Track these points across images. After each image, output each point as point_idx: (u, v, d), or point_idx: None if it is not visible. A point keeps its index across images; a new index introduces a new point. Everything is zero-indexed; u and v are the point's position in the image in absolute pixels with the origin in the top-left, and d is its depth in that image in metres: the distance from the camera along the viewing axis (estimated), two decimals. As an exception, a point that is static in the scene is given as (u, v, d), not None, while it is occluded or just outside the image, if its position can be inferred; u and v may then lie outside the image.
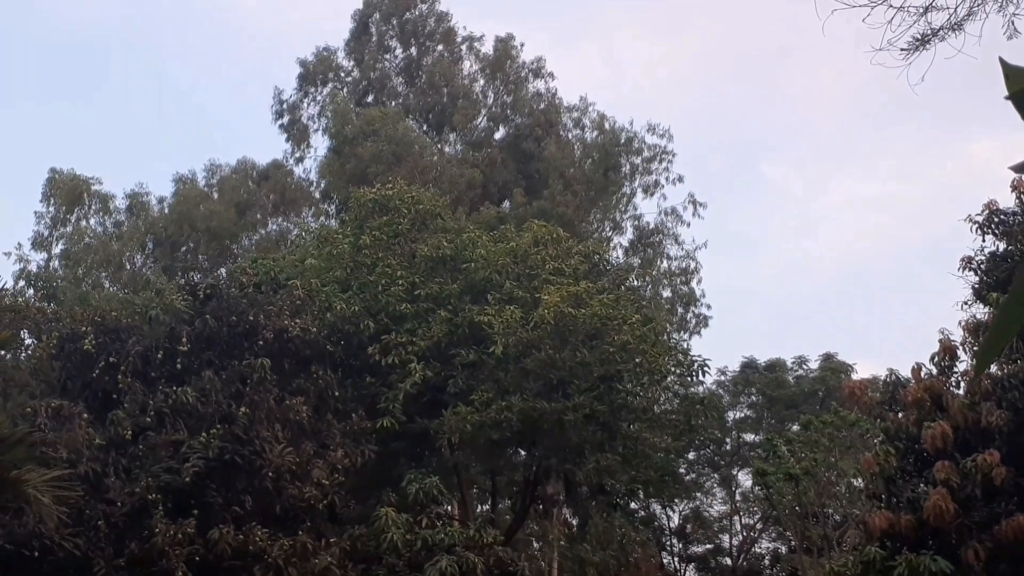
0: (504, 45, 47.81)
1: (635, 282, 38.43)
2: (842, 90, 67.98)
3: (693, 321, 44.72)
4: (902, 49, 10.85)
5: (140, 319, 25.41)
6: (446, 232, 29.46)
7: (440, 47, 48.84)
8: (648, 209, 46.40)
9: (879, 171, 72.22)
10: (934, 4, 10.92)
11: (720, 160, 70.23)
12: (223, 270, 38.90)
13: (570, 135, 46.78)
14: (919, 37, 10.90)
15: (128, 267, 44.02)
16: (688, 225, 45.34)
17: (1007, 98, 1.56)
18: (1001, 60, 1.66)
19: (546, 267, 28.16)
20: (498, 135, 47.42)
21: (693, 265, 45.19)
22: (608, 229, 46.34)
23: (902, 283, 71.45)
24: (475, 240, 28.84)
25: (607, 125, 45.97)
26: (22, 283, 37.99)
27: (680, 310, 44.85)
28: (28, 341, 26.71)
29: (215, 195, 46.41)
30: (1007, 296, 1.62)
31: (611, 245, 45.35)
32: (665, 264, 45.52)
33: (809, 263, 71.78)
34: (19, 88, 68.49)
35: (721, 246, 65.68)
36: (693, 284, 45.10)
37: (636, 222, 46.11)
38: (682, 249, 45.46)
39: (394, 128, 42.21)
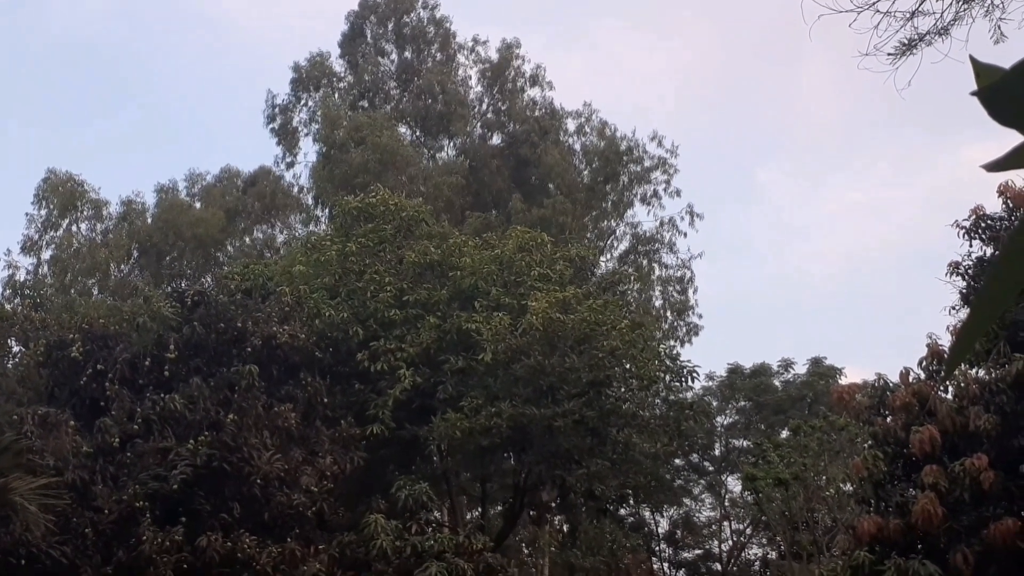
0: (508, 51, 47.78)
1: (625, 287, 38.45)
2: (835, 95, 68.14)
3: (684, 329, 44.87)
4: (889, 54, 10.87)
5: (128, 326, 25.32)
6: (431, 238, 29.47)
7: (438, 53, 48.77)
8: (644, 217, 46.52)
9: (870, 176, 72.41)
10: (920, 9, 10.95)
11: (713, 165, 70.41)
12: (208, 277, 38.83)
13: (571, 140, 46.84)
14: (905, 42, 10.92)
15: (115, 275, 43.88)
16: (685, 235, 45.61)
17: (973, 94, 1.56)
18: (972, 58, 1.65)
19: (532, 273, 28.18)
20: (493, 142, 47.41)
21: (688, 274, 45.44)
22: (605, 236, 46.43)
23: (891, 288, 71.68)
24: (461, 246, 28.86)
25: (608, 132, 46.07)
26: (9, 291, 37.89)
27: (672, 318, 44.97)
28: (15, 349, 26.64)
29: (197, 204, 46.33)
30: (982, 285, 1.61)
31: (606, 252, 45.53)
32: (660, 272, 45.70)
33: (799, 268, 72.00)
34: (10, 93, 68.28)
35: (712, 251, 65.81)
36: (688, 293, 45.35)
37: (633, 230, 46.28)
38: (677, 258, 45.70)
39: (380, 135, 42.13)
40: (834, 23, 10.34)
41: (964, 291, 22.92)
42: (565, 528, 35.19)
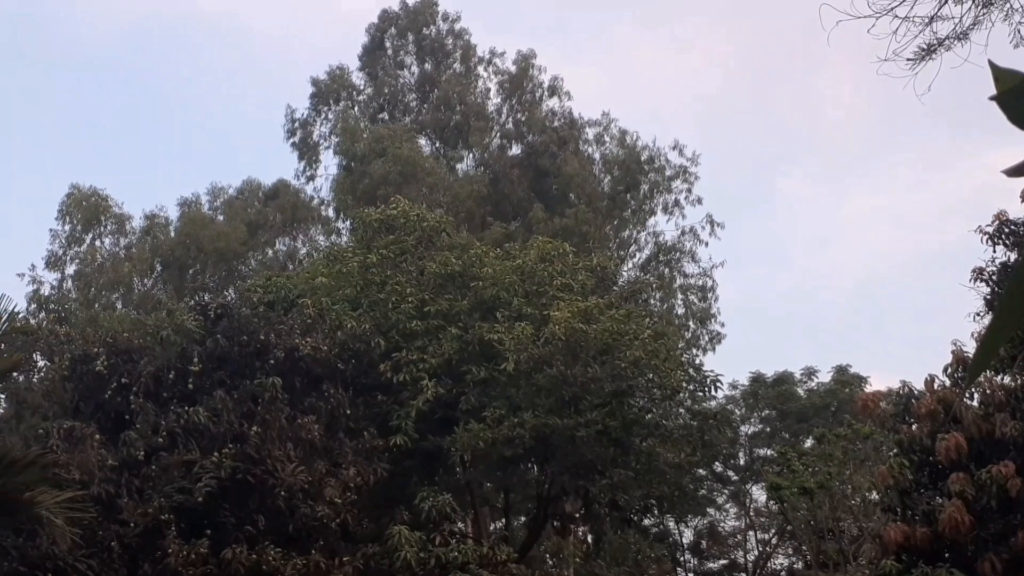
0: (525, 61, 47.89)
1: (647, 297, 38.39)
2: (854, 101, 67.87)
3: (706, 338, 44.83)
4: (908, 59, 10.83)
5: (152, 340, 25.46)
6: (452, 249, 29.52)
7: (457, 65, 48.92)
8: (665, 226, 46.52)
9: (892, 182, 72.02)
10: (939, 14, 10.91)
11: (733, 173, 70.17)
12: (231, 290, 39.02)
13: (590, 149, 46.89)
14: (925, 47, 10.88)
15: (138, 289, 44.15)
16: (706, 245, 45.63)
17: (993, 98, 1.55)
18: (991, 62, 1.65)
19: (553, 283, 28.16)
20: (513, 152, 47.47)
21: (710, 283, 45.44)
22: (626, 246, 46.44)
23: (915, 294, 71.22)
24: (482, 257, 28.88)
25: (628, 141, 46.11)
26: (34, 305, 38.16)
27: (694, 327, 44.93)
28: (41, 363, 26.81)
29: (220, 218, 46.60)
30: (1005, 290, 1.61)
31: (628, 262, 45.54)
32: (681, 281, 45.70)
33: (821, 275, 71.65)
34: (30, 108, 68.73)
35: (733, 258, 65.72)
36: (710, 302, 45.32)
37: (654, 239, 46.31)
38: (699, 267, 45.70)
39: (401, 147, 42.27)
40: (853, 29, 10.32)
41: (988, 297, 22.76)
42: (589, 539, 35.10)
